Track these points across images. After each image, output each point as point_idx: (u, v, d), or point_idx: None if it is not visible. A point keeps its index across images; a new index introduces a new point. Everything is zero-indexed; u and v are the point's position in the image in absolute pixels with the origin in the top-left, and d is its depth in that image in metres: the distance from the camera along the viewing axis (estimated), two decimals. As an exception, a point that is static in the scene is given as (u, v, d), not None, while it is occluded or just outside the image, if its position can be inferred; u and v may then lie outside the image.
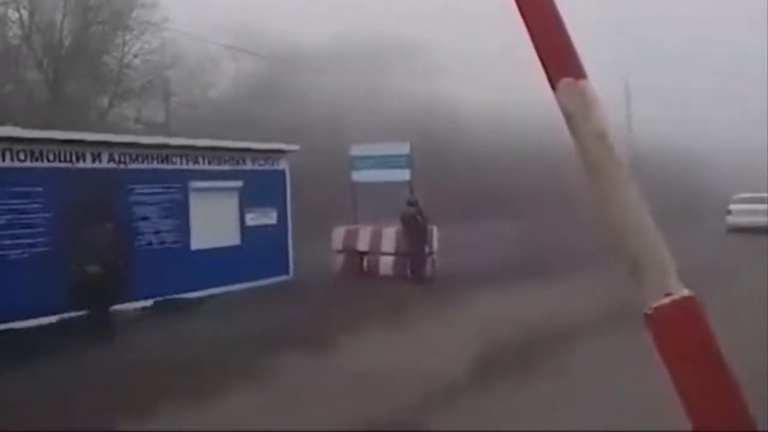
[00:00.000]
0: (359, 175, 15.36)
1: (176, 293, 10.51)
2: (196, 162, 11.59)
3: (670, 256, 1.51)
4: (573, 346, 7.67)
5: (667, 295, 1.45)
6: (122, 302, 9.74)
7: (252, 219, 12.40)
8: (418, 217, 13.62)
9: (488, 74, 29.85)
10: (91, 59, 25.27)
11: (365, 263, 14.26)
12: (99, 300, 9.28)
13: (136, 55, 26.45)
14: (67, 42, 25.40)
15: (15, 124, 10.60)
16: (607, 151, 1.51)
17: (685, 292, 1.44)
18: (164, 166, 11.08)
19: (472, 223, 20.81)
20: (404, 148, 15.28)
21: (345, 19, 30.73)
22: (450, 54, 31.40)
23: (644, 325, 1.47)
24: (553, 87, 1.53)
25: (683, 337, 1.44)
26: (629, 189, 1.51)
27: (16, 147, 9.13)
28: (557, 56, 1.54)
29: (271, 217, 12.84)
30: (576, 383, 6.46)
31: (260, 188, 12.53)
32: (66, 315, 9.13)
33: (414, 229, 13.51)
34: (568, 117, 1.50)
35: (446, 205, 19.10)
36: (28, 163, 9.27)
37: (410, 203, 13.82)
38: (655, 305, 1.43)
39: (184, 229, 11.19)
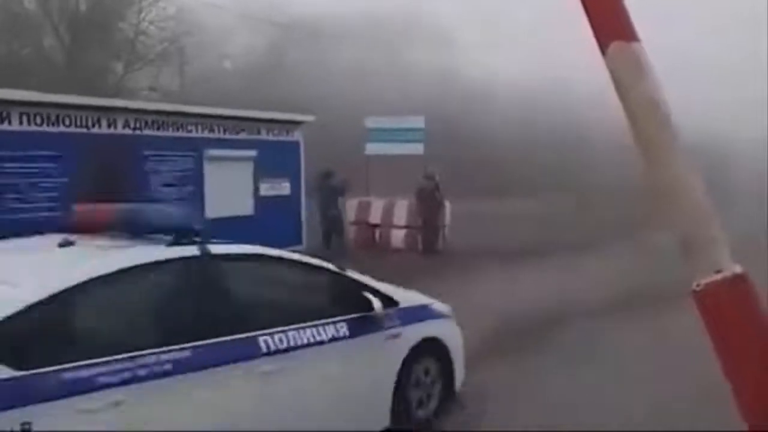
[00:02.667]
0: (373, 148, 15.29)
1: (189, 261, 10.52)
2: (211, 130, 11.52)
3: (721, 232, 1.43)
4: (571, 324, 7.64)
5: (718, 271, 1.39)
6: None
7: (266, 189, 12.36)
8: (436, 192, 13.56)
9: (510, 48, 29.44)
10: (106, 26, 25.18)
11: (377, 235, 14.24)
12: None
13: (151, 22, 26.29)
14: (83, 8, 25.28)
15: (32, 89, 10.56)
16: (660, 120, 1.42)
17: (737, 269, 1.37)
18: (179, 133, 11.02)
19: (485, 199, 20.71)
20: (419, 122, 15.18)
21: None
22: (470, 27, 30.99)
23: (692, 302, 1.40)
24: (603, 50, 1.45)
25: (734, 317, 1.37)
26: (681, 160, 1.43)
27: (32, 111, 9.09)
28: (608, 18, 1.45)
29: (284, 188, 12.79)
30: (573, 358, 6.43)
31: (274, 159, 12.46)
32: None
33: (429, 203, 13.46)
34: (619, 82, 1.42)
35: (460, 179, 19.00)
36: (44, 128, 9.24)
37: (428, 177, 13.74)
38: (704, 281, 1.36)
39: (199, 198, 11.17)
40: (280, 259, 4.19)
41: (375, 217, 14.32)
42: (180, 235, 3.72)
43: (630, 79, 1.48)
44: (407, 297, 4.79)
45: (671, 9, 29.07)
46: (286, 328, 3.86)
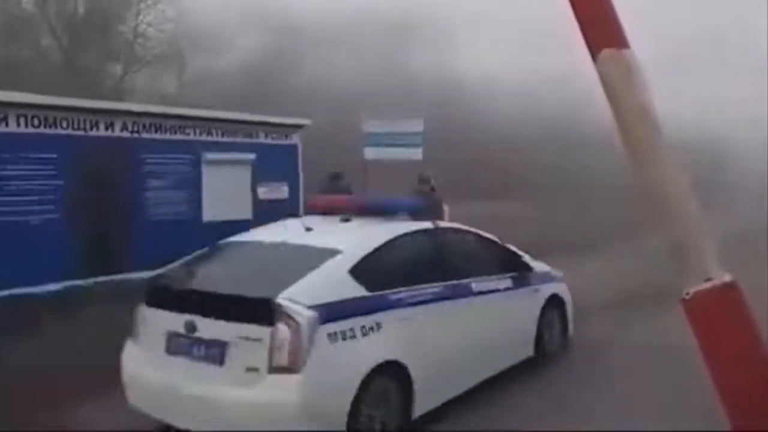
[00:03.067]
0: (372, 152, 15.24)
1: (187, 264, 10.52)
2: (209, 133, 11.52)
3: (710, 240, 1.43)
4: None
5: (707, 280, 1.38)
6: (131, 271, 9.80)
7: (264, 193, 12.35)
8: (432, 195, 13.53)
9: (509, 48, 29.47)
10: (105, 28, 25.17)
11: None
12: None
13: (150, 25, 26.30)
14: (81, 9, 25.28)
15: (29, 91, 10.54)
16: (650, 126, 1.43)
17: (726, 278, 1.36)
18: (177, 136, 11.02)
19: (485, 201, 20.68)
20: (418, 126, 15.11)
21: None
22: (470, 28, 31.02)
23: (682, 310, 1.40)
24: (594, 57, 1.45)
25: (722, 326, 1.36)
26: (672, 168, 1.43)
27: (30, 113, 9.09)
28: (599, 25, 1.45)
29: (282, 192, 12.78)
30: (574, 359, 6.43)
31: (273, 162, 12.46)
32: (73, 282, 9.17)
33: (426, 207, 13.44)
34: (609, 87, 1.42)
35: (459, 181, 18.98)
36: (41, 130, 9.24)
37: (423, 180, 13.72)
38: (693, 290, 1.35)
39: (196, 201, 11.17)
40: (474, 233, 6.34)
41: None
42: (416, 215, 5.84)
43: (620, 86, 1.48)
44: (539, 265, 6.92)
45: (669, 8, 29.15)
46: (481, 277, 5.88)
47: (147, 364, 4.72)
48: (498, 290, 6.01)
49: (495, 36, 30.18)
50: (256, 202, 12.22)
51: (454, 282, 5.51)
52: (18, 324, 7.39)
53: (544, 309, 6.64)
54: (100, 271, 9.52)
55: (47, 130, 9.30)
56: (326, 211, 5.95)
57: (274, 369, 4.11)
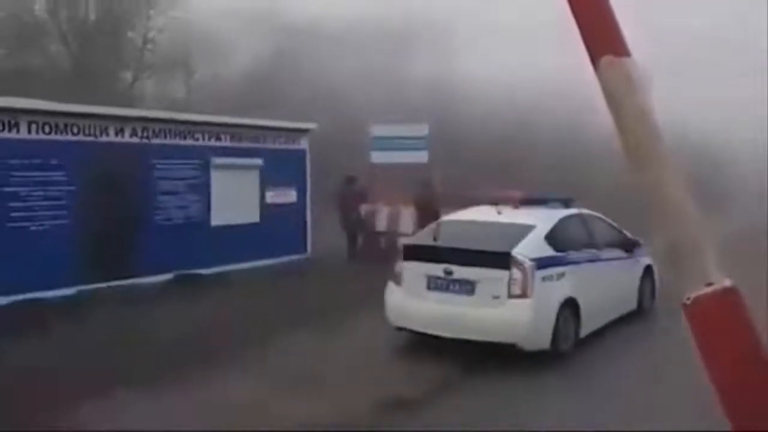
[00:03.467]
0: (378, 156, 15.30)
1: (196, 268, 10.59)
2: (217, 138, 11.60)
3: (710, 245, 1.44)
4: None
5: (708, 284, 1.39)
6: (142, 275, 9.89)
7: (272, 197, 12.41)
8: (433, 199, 13.59)
9: (511, 52, 29.43)
10: (115, 34, 25.35)
11: (382, 243, 14.24)
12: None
13: (160, 31, 26.46)
14: (91, 16, 25.48)
15: (40, 98, 10.64)
16: (650, 133, 1.45)
17: (727, 283, 1.37)
18: (186, 141, 11.10)
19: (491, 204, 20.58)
20: (423, 130, 15.19)
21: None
22: (471, 32, 31.01)
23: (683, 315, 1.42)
24: (595, 64, 1.47)
25: (722, 331, 1.37)
26: (672, 173, 1.45)
27: (41, 120, 9.18)
28: (600, 33, 1.47)
29: (290, 196, 12.84)
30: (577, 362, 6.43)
31: (280, 166, 12.53)
32: (85, 287, 9.24)
33: (427, 210, 13.50)
34: (609, 95, 1.44)
35: (464, 186, 18.94)
36: (52, 136, 9.32)
37: (424, 184, 13.77)
38: (694, 295, 1.37)
39: (205, 205, 11.24)
40: (600, 218, 8.45)
41: (380, 224, 14.33)
42: (566, 204, 8.18)
43: (620, 93, 1.50)
44: (639, 243, 8.69)
45: (671, 8, 29.06)
46: (610, 249, 8.07)
47: (409, 297, 7.07)
48: (620, 259, 8.23)
49: (496, 39, 30.17)
50: (264, 207, 12.29)
51: (596, 250, 7.70)
52: (31, 327, 7.45)
53: (642, 275, 8.79)
54: (111, 275, 9.60)
55: (58, 137, 9.39)
56: (496, 203, 7.91)
57: (512, 296, 6.50)
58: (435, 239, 7.25)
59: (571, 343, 6.87)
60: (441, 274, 6.79)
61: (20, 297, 8.46)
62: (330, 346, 7.12)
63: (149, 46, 26.50)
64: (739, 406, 1.37)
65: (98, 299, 8.92)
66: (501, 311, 6.47)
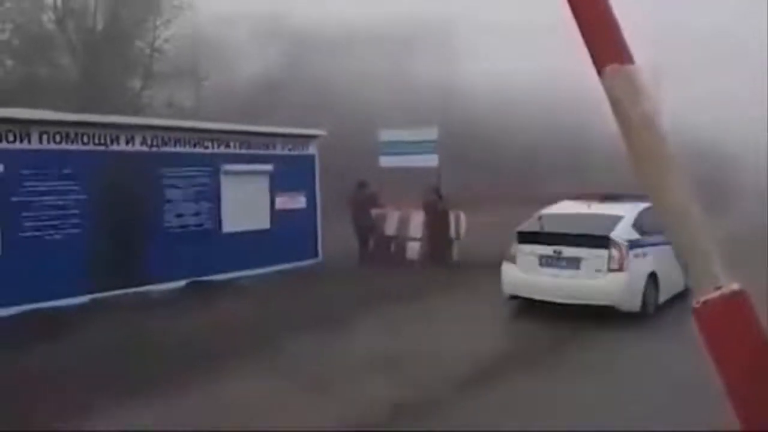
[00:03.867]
0: (387, 160, 15.33)
1: (208, 275, 10.65)
2: (227, 146, 11.67)
3: (718, 248, 1.45)
4: (591, 337, 7.72)
5: (716, 288, 1.41)
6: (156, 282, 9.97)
7: (282, 203, 12.47)
8: (438, 203, 13.61)
9: (521, 54, 29.42)
10: (122, 43, 25.52)
11: (392, 247, 14.27)
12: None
13: (167, 40, 26.61)
14: (99, 26, 25.67)
15: (50, 108, 10.75)
16: (656, 139, 1.46)
17: (735, 286, 1.38)
18: (196, 149, 11.17)
19: (499, 209, 20.62)
20: (432, 134, 15.19)
21: (371, 1, 30.48)
22: (478, 35, 31.01)
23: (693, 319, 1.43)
24: (600, 72, 1.49)
25: (732, 334, 1.39)
26: (677, 178, 1.47)
27: (51, 130, 9.28)
28: (604, 41, 1.49)
29: (300, 201, 12.89)
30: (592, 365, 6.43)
31: (290, 172, 12.58)
32: (97, 295, 9.31)
33: (434, 215, 13.52)
34: (615, 103, 1.46)
35: (475, 190, 18.95)
36: (63, 146, 9.41)
37: (431, 189, 13.81)
38: (703, 299, 1.38)
39: (216, 212, 11.31)
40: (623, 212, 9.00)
41: (390, 228, 14.35)
42: (640, 199, 8.63)
43: (626, 101, 1.51)
44: None
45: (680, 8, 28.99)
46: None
47: (524, 273, 8.76)
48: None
49: (506, 42, 30.16)
50: (274, 213, 12.34)
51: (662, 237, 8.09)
52: (45, 336, 7.53)
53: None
54: (123, 283, 9.67)
55: (68, 146, 9.48)
56: (580, 198, 9.67)
57: (611, 270, 8.22)
58: (542, 227, 8.99)
59: (653, 307, 8.57)
60: (551, 253, 8.53)
61: (33, 306, 8.54)
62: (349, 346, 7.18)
63: (157, 54, 26.64)
64: (749, 408, 1.38)
65: (111, 307, 9.00)
66: (603, 282, 8.22)
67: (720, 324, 1.44)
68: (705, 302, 1.44)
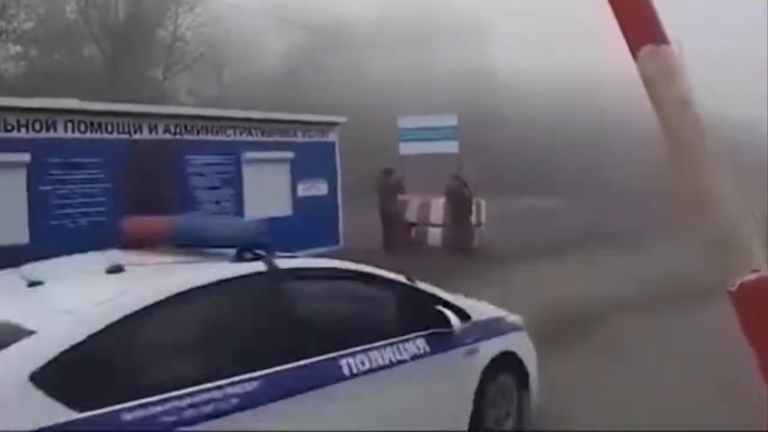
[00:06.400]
0: (407, 147, 15.31)
1: (230, 262, 10.73)
2: (248, 134, 11.72)
3: (756, 231, 1.44)
4: (618, 320, 7.64)
5: (753, 271, 1.39)
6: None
7: (303, 190, 12.52)
8: (464, 190, 13.58)
9: (541, 44, 29.15)
10: (144, 32, 25.72)
11: (414, 234, 14.29)
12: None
13: (188, 28, 26.75)
14: (121, 16, 25.87)
15: (74, 97, 10.87)
16: (692, 121, 1.44)
17: (773, 269, 1.38)
18: (218, 137, 11.25)
19: (521, 198, 20.55)
20: (452, 120, 15.15)
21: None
22: (501, 23, 30.75)
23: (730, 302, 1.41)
24: (634, 54, 1.47)
25: (769, 316, 1.38)
26: (715, 161, 1.45)
27: (76, 119, 9.39)
28: (639, 22, 1.46)
29: (321, 188, 12.93)
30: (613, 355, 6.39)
31: (311, 160, 12.61)
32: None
33: (458, 202, 13.50)
34: (650, 85, 1.44)
35: (495, 179, 18.89)
36: (88, 134, 9.53)
37: (455, 177, 13.78)
38: (739, 282, 1.36)
39: (238, 200, 11.39)
40: (353, 272, 3.98)
41: (411, 215, 14.37)
42: (244, 249, 3.48)
43: (662, 83, 1.49)
44: (480, 309, 4.59)
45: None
46: (366, 347, 3.60)
47: None
48: (400, 362, 3.81)
49: (530, 33, 29.89)
50: (296, 200, 12.40)
51: (304, 363, 3.42)
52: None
53: (485, 378, 4.32)
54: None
55: (93, 135, 9.58)
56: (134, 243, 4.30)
57: None
58: None
59: None
60: None
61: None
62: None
63: (179, 43, 26.81)
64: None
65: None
66: None
67: (757, 306, 1.42)
68: (741, 285, 1.43)
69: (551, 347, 6.77)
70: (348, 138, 13.94)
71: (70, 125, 9.33)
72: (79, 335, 2.65)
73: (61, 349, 2.60)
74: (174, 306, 2.98)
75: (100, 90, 19.34)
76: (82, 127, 9.47)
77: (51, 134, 9.11)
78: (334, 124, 13.45)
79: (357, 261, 4.33)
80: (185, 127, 10.75)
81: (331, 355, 3.40)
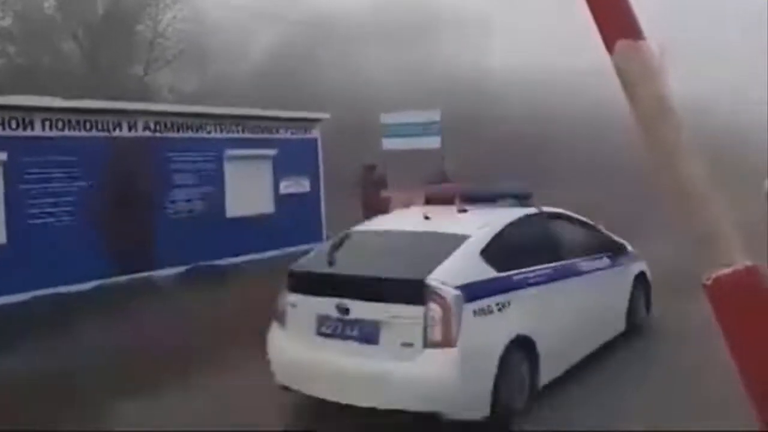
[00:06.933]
0: (390, 143, 15.27)
1: (211, 260, 10.68)
2: (230, 130, 11.64)
3: (731, 225, 1.44)
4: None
5: (728, 265, 1.40)
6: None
7: (285, 187, 12.47)
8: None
9: (527, 43, 29.21)
10: (125, 28, 25.41)
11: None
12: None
13: (169, 24, 26.48)
14: (100, 11, 25.56)
15: (53, 95, 10.72)
16: (668, 117, 1.44)
17: (747, 262, 1.38)
18: (199, 134, 11.16)
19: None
20: (435, 116, 15.11)
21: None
22: (487, 17, 30.78)
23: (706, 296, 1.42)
24: (610, 49, 1.47)
25: (744, 309, 1.38)
26: (690, 156, 1.46)
27: (54, 116, 9.27)
28: (614, 17, 1.47)
29: (304, 185, 12.89)
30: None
31: (293, 156, 12.57)
32: (103, 281, 9.35)
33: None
34: (626, 80, 1.44)
35: (481, 174, 18.87)
36: (66, 132, 9.41)
37: (437, 171, 13.81)
38: (714, 275, 1.37)
39: (220, 197, 11.31)
40: (574, 218, 6.49)
41: (394, 210, 14.35)
42: (521, 200, 6.01)
43: (637, 78, 1.49)
44: (626, 246, 7.06)
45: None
46: (586, 258, 6.07)
47: (293, 346, 4.89)
48: (598, 270, 6.24)
49: (522, 27, 29.92)
50: (278, 197, 12.35)
51: (563, 262, 5.67)
52: (49, 323, 7.58)
53: (633, 286, 6.96)
54: (128, 269, 9.70)
55: (72, 133, 9.47)
56: (433, 201, 6.12)
57: (430, 344, 4.35)
58: (331, 262, 5.12)
59: (524, 399, 4.76)
60: (334, 313, 4.64)
61: (40, 293, 8.58)
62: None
63: (159, 39, 26.53)
64: (762, 384, 1.37)
65: (118, 292, 9.04)
66: (414, 367, 4.33)
67: (731, 300, 1.43)
68: (716, 278, 1.43)
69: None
70: (332, 134, 13.89)
71: (47, 123, 9.21)
72: (490, 236, 5.07)
73: (486, 242, 5.00)
74: (514, 227, 5.41)
75: (79, 87, 19.09)
76: (60, 125, 9.35)
77: (28, 132, 8.99)
78: (316, 120, 13.41)
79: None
80: (165, 125, 10.66)
81: (573, 259, 5.86)
